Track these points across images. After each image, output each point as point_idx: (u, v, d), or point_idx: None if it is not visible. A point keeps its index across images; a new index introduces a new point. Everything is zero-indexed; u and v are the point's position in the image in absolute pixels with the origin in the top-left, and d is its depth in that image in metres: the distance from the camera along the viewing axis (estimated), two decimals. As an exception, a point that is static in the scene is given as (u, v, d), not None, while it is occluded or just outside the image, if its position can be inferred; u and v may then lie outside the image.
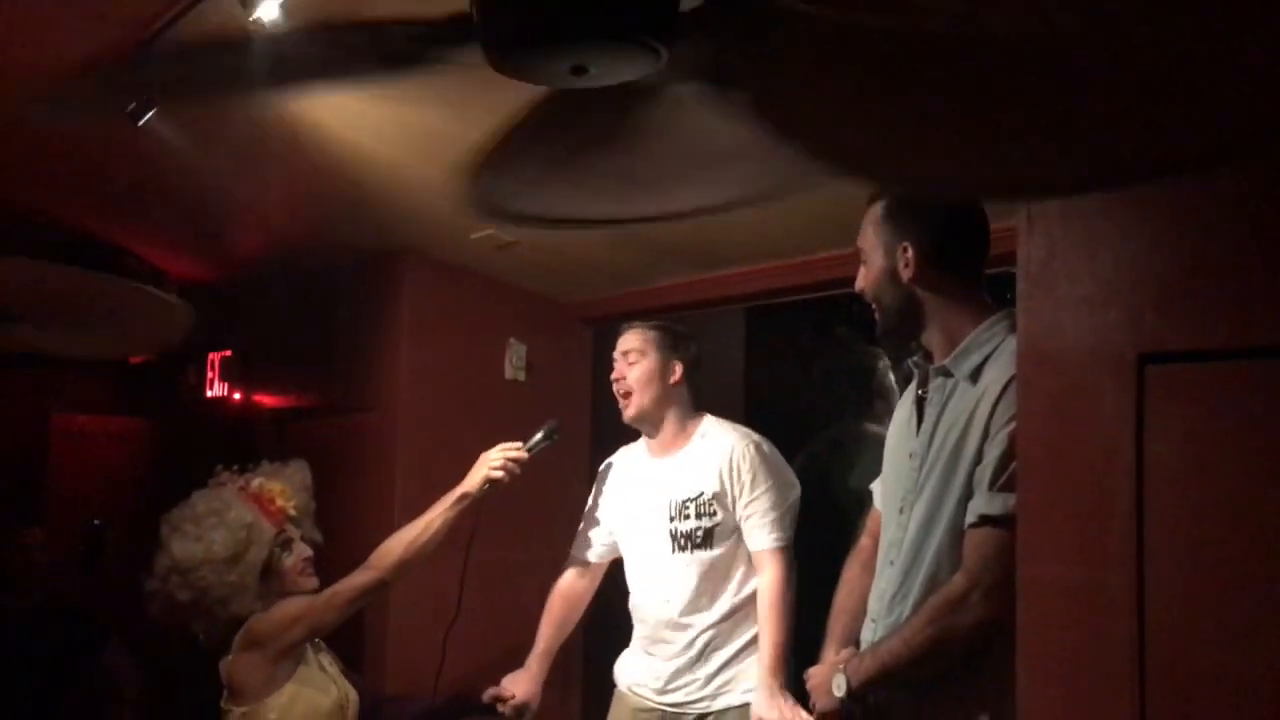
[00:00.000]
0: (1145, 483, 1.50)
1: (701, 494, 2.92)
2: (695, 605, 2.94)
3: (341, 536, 3.13)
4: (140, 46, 2.28)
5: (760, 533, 2.88)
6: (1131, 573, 1.51)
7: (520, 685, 3.09)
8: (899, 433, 2.28)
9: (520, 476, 2.96)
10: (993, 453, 1.93)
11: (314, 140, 2.77)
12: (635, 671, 3.08)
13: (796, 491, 2.95)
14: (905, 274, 2.12)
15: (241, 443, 3.91)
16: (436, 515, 2.87)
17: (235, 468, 3.02)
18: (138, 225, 3.88)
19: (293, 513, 2.97)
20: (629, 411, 3.04)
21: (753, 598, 2.90)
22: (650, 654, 3.04)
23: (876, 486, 2.40)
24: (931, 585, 2.01)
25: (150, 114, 2.41)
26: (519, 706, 3.07)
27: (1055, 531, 1.62)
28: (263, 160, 3.00)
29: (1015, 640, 1.66)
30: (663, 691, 2.98)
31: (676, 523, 2.96)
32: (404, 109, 2.52)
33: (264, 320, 4.20)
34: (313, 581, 2.87)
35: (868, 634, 2.18)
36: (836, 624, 2.32)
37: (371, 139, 2.79)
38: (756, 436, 2.99)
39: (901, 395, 2.39)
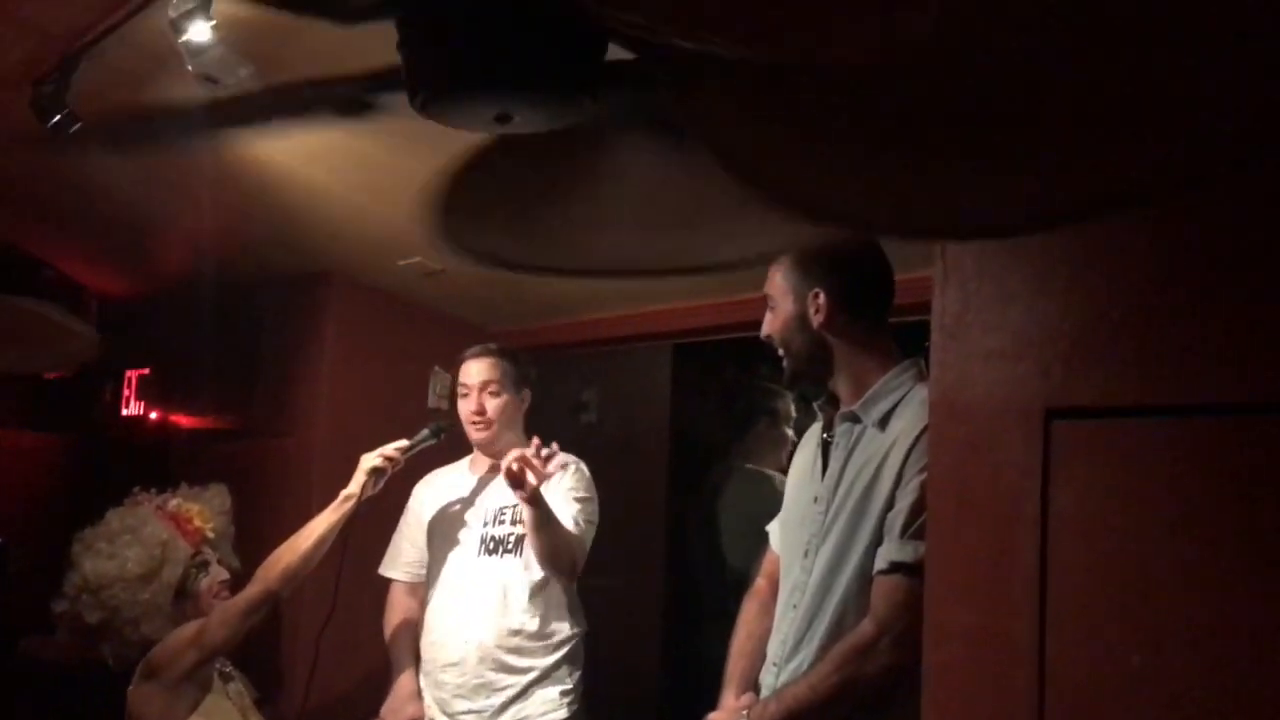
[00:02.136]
0: (1049, 534, 1.52)
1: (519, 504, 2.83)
2: (495, 616, 2.87)
3: (256, 562, 3.05)
4: (67, 60, 2.25)
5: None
6: (1034, 621, 1.53)
7: (401, 711, 2.98)
8: (802, 476, 2.27)
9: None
10: (905, 500, 1.93)
11: (240, 159, 2.75)
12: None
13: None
14: (816, 320, 2.12)
15: (156, 463, 3.83)
16: (321, 520, 2.80)
17: (153, 490, 2.97)
18: (57, 239, 3.82)
19: (210, 534, 2.93)
20: (487, 437, 2.99)
21: (560, 639, 2.89)
22: (441, 678, 2.93)
23: (774, 528, 2.38)
24: (837, 630, 2.00)
25: (75, 126, 2.37)
26: None
27: (961, 578, 1.64)
28: (188, 178, 2.97)
29: (921, 686, 1.68)
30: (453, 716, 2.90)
31: (490, 528, 2.94)
32: (332, 133, 2.52)
33: (185, 339, 4.13)
34: None
35: (768, 678, 2.14)
36: (735, 668, 2.27)
37: (299, 161, 2.77)
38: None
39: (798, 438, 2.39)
